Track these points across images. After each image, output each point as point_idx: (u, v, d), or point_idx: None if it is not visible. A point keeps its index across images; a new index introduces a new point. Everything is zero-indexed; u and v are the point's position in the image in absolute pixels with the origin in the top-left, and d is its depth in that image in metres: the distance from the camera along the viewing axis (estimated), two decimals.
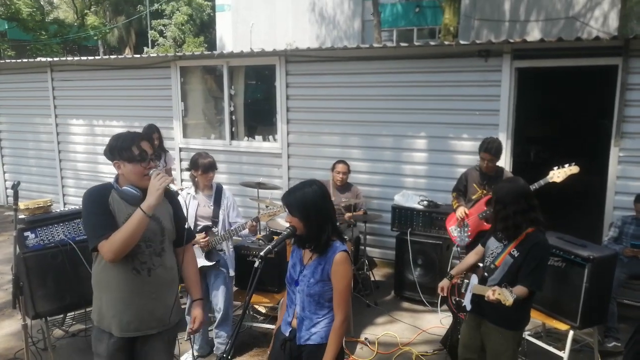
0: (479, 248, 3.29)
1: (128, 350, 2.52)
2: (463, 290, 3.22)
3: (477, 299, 3.02)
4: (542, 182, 4.19)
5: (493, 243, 3.09)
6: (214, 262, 3.84)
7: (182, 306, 4.32)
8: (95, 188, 2.49)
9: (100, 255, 2.42)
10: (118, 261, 2.37)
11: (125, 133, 2.51)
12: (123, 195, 2.43)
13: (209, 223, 3.87)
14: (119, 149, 2.41)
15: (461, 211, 4.54)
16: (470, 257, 3.30)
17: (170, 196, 2.60)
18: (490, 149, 4.37)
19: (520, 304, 2.79)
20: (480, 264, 3.20)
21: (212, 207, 3.87)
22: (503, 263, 2.96)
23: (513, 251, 2.92)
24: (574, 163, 4.17)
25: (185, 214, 3.85)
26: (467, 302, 3.14)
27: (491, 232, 3.18)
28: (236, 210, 3.94)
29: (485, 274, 3.04)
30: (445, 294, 3.33)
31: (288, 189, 2.52)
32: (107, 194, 2.43)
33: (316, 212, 2.29)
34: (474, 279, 3.15)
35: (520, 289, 2.77)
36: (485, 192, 4.53)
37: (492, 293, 2.73)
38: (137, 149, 2.42)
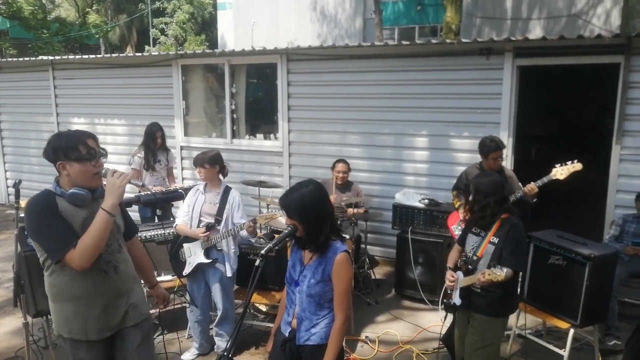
0: (456, 246, 3.35)
1: (108, 348, 2.47)
2: (449, 290, 3.23)
3: (465, 292, 3.07)
4: (545, 179, 4.19)
5: (471, 239, 3.17)
6: (210, 260, 3.86)
7: (182, 305, 4.36)
8: (38, 198, 2.29)
9: (54, 266, 2.30)
10: (88, 267, 2.25)
11: (67, 132, 2.35)
12: (72, 199, 2.28)
13: (212, 221, 3.88)
14: (64, 148, 2.24)
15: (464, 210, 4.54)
16: (454, 253, 3.35)
17: None
18: (502, 144, 4.39)
19: (506, 289, 2.89)
20: (460, 262, 3.25)
21: (218, 205, 3.88)
22: (485, 252, 3.03)
23: (493, 239, 3.02)
24: (577, 160, 4.16)
25: (192, 209, 3.89)
26: (456, 299, 3.15)
27: (467, 230, 3.25)
28: (241, 211, 3.92)
29: (469, 266, 3.09)
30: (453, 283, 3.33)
31: (288, 188, 2.51)
32: (54, 201, 2.26)
33: (314, 212, 2.26)
34: (459, 274, 3.17)
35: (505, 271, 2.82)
36: None
37: (482, 276, 2.81)
38: (85, 147, 2.27)
